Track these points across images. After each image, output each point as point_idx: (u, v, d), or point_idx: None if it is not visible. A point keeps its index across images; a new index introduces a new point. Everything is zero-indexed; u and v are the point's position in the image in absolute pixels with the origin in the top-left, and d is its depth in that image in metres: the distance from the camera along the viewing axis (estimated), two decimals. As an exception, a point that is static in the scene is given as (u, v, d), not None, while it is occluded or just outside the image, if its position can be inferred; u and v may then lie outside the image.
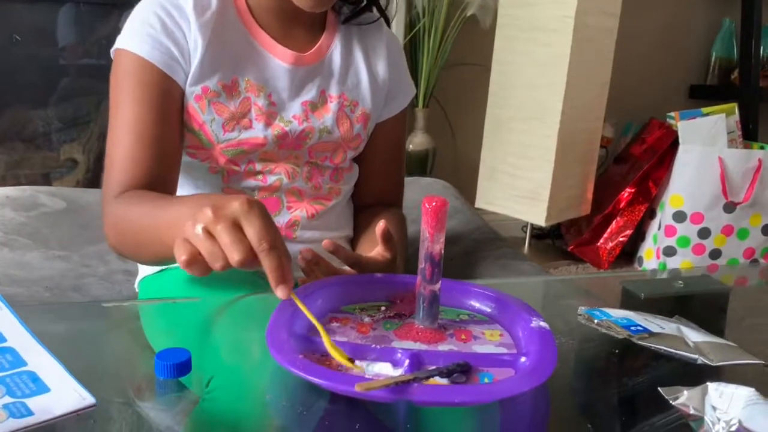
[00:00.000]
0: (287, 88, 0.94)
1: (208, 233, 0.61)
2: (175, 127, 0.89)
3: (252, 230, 0.60)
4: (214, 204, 0.61)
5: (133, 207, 0.83)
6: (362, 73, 1.00)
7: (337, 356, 0.57)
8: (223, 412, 0.57)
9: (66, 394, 0.53)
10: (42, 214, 1.23)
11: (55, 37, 2.20)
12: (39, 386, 0.54)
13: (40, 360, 0.58)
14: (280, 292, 0.61)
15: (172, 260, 0.65)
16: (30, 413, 0.50)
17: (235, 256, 0.59)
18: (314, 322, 0.61)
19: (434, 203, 0.64)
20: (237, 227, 0.60)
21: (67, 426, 0.50)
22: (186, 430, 0.52)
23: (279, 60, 0.93)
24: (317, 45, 0.97)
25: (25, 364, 0.57)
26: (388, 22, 1.05)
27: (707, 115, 2.46)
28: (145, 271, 1.01)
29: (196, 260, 0.61)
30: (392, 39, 1.06)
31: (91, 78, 2.21)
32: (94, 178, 2.30)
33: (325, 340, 0.58)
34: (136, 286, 1.04)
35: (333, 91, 0.98)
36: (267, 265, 0.60)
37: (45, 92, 2.23)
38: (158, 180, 0.87)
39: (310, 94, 0.96)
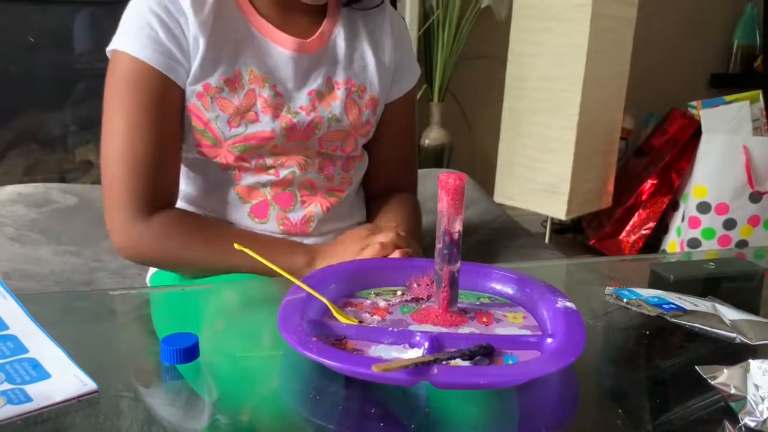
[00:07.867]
0: (292, 77, 0.91)
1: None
2: (174, 127, 0.88)
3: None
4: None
5: (187, 242, 0.88)
6: (368, 57, 0.97)
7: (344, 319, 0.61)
8: (233, 397, 0.54)
9: (67, 380, 0.51)
10: (54, 210, 1.21)
11: (71, 40, 2.20)
12: (40, 373, 0.52)
13: (42, 347, 0.56)
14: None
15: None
16: (29, 399, 0.48)
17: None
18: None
19: (452, 179, 0.61)
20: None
21: (70, 415, 0.48)
22: (193, 417, 0.49)
23: (281, 48, 0.90)
24: (319, 30, 0.93)
25: (26, 351, 0.55)
26: (394, 2, 1.02)
27: (730, 103, 2.40)
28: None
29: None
30: (396, 18, 1.02)
31: (106, 81, 2.20)
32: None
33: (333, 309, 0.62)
34: (147, 280, 1.02)
35: (339, 78, 0.94)
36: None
37: (61, 95, 2.23)
38: (164, 185, 0.89)
39: (316, 82, 0.93)
